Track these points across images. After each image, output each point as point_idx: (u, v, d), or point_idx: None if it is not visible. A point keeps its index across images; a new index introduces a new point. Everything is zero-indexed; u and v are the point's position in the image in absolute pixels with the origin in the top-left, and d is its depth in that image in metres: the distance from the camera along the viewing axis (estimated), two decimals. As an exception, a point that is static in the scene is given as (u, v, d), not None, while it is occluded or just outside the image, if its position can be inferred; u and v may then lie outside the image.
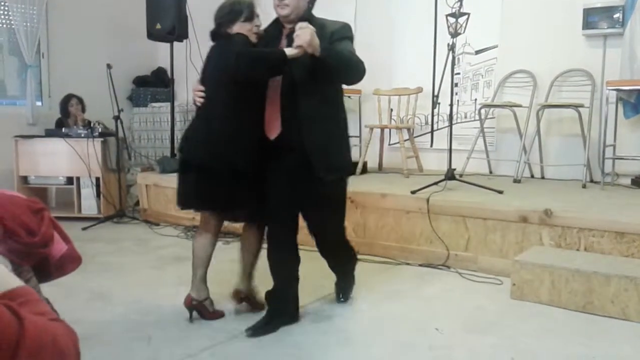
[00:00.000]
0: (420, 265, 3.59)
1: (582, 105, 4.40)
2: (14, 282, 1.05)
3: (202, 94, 2.54)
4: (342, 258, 2.86)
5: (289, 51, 2.35)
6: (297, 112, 2.43)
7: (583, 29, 4.55)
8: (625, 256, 2.99)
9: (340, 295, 2.92)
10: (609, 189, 4.14)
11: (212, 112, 2.53)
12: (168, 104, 5.75)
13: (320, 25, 2.40)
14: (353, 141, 5.73)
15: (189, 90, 5.32)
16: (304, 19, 2.43)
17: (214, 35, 2.60)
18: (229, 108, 2.49)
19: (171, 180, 5.02)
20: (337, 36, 2.44)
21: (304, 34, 2.26)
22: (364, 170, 5.11)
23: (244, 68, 2.39)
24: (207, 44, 2.65)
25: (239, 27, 2.53)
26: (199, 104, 2.57)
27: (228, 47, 2.49)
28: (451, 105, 4.09)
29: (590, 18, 4.50)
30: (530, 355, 2.30)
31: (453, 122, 4.16)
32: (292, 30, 2.37)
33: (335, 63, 2.38)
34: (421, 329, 2.56)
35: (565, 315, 2.73)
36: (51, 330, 0.96)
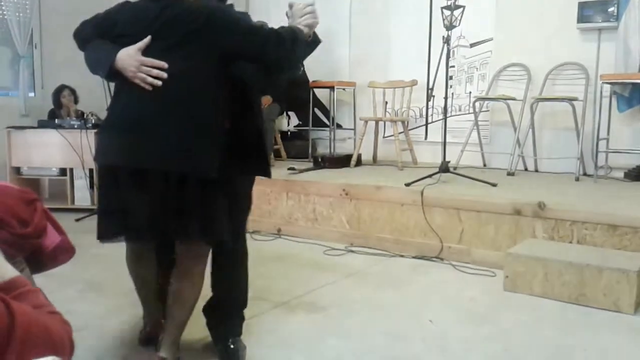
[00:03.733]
0: (414, 257, 3.60)
1: (576, 99, 4.42)
2: (10, 272, 1.05)
3: (164, 73, 1.85)
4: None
5: (306, 31, 1.97)
6: None
7: (578, 22, 4.56)
8: (617, 249, 3.01)
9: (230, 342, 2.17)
10: (602, 182, 4.16)
11: (188, 96, 1.86)
12: (162, 96, 5.72)
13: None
14: (348, 134, 5.82)
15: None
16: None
17: None
18: (209, 92, 1.88)
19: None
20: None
21: (317, 16, 2.01)
22: (359, 162, 5.12)
23: (286, 53, 1.90)
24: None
25: None
26: (149, 86, 1.85)
27: (231, 14, 1.88)
28: (446, 98, 4.09)
29: (585, 12, 4.51)
30: (522, 346, 2.32)
31: (447, 115, 4.17)
32: None
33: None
34: (415, 320, 2.57)
35: (558, 307, 2.75)
36: (43, 322, 0.96)
